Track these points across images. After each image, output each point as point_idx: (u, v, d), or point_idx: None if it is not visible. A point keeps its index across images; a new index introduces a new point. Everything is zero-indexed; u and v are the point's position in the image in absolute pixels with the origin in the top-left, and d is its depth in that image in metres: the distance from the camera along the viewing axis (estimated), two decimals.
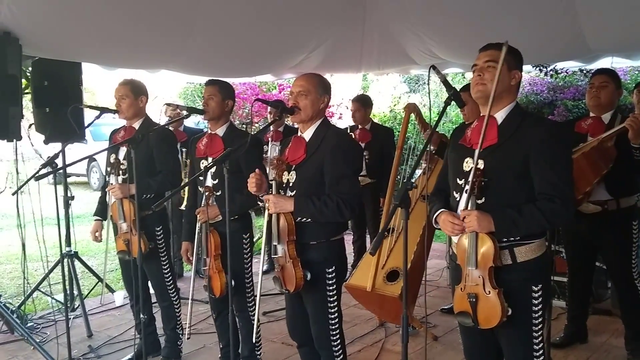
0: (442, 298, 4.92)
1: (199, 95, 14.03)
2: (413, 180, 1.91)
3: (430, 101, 2.28)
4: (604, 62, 5.30)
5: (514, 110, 2.25)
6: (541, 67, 5.89)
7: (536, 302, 2.22)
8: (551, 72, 5.95)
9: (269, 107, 5.64)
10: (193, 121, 8.41)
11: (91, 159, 12.83)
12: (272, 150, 5.24)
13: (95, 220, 3.75)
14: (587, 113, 3.65)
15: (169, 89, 13.17)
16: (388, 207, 3.95)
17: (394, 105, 8.67)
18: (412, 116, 4.17)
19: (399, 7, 5.04)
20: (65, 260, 4.41)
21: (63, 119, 3.83)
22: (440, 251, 6.09)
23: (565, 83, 6.96)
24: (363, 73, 6.89)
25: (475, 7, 4.55)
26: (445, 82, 2.23)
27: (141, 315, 3.10)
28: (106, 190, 3.52)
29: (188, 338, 3.31)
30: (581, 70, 6.13)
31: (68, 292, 4.64)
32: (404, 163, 4.58)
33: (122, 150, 3.44)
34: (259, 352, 3.45)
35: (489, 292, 2.17)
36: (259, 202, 2.77)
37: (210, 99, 3.20)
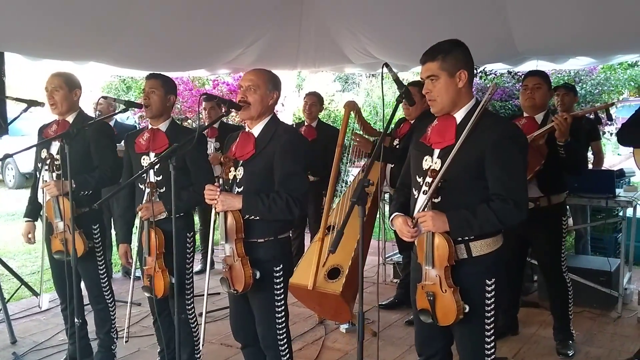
0: (379, 294, 4.98)
1: (123, 89, 13.53)
2: (369, 179, 1.90)
3: (383, 99, 2.28)
4: (530, 65, 5.54)
5: (472, 109, 2.25)
6: None
7: (489, 295, 2.25)
8: (480, 73, 6.15)
9: (203, 103, 5.51)
10: (120, 117, 8.07)
11: (6, 156, 12.02)
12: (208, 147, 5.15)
13: (27, 222, 3.48)
14: (515, 113, 3.79)
15: (93, 83, 12.61)
16: (329, 205, 3.95)
17: (328, 104, 8.68)
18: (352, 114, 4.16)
19: (336, 5, 5.06)
20: None
21: None
22: (376, 248, 6.15)
23: None
24: (299, 70, 6.87)
25: (409, 9, 4.64)
26: (397, 80, 2.24)
27: (76, 320, 2.93)
28: (41, 187, 3.29)
29: (126, 341, 3.17)
30: (509, 72, 6.37)
31: None
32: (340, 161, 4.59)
33: (55, 146, 3.24)
34: (198, 355, 3.35)
35: (445, 290, 2.22)
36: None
37: (152, 92, 3.04)
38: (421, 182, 2.29)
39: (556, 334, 3.81)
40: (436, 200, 2.21)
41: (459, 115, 2.26)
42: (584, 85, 7.23)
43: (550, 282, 3.78)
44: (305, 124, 5.37)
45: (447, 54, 2.21)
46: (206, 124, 5.23)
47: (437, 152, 2.28)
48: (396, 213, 2.35)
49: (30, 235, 3.47)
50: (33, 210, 3.49)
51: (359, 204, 1.88)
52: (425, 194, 2.21)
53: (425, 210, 2.20)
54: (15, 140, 7.48)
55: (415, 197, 2.32)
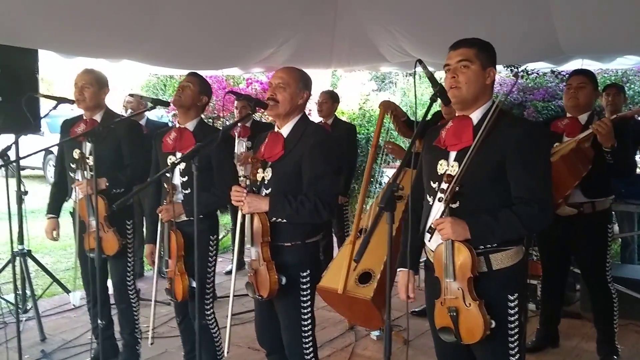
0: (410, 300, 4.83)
1: (162, 88, 13.68)
2: (399, 183, 1.76)
3: (415, 97, 2.16)
4: (575, 64, 5.31)
5: (489, 110, 2.12)
6: (512, 68, 5.86)
7: (512, 311, 2.11)
8: (522, 73, 5.93)
9: (235, 102, 5.48)
10: (156, 115, 8.12)
11: (48, 151, 12.32)
12: (238, 146, 5.09)
13: (50, 218, 3.49)
14: (557, 114, 3.61)
15: (131, 81, 12.80)
16: (361, 207, 3.83)
17: (363, 103, 8.55)
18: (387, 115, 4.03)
19: (372, 2, 4.94)
20: (18, 259, 4.15)
21: (17, 108, 3.64)
22: None
23: (535, 84, 6.96)
24: (333, 69, 6.77)
25: (449, 6, 4.49)
26: (431, 78, 2.11)
27: (99, 321, 2.89)
28: (73, 186, 3.29)
29: (151, 343, 3.12)
30: (553, 72, 6.12)
31: (20, 292, 4.37)
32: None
33: (86, 144, 3.23)
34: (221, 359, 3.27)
35: (470, 304, 2.06)
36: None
37: (187, 87, 3.01)
38: (436, 188, 2.15)
39: (599, 348, 3.60)
40: (454, 206, 2.06)
41: (475, 116, 2.14)
42: (632, 86, 6.92)
43: (594, 293, 3.58)
44: (322, 121, 5.30)
45: (483, 47, 2.14)
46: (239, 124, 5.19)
47: (453, 154, 2.15)
48: (402, 268, 2.31)
49: (55, 233, 3.47)
50: (57, 207, 3.50)
51: (387, 210, 1.74)
52: (442, 200, 2.06)
53: (443, 217, 2.06)
54: (56, 137, 7.60)
55: (430, 203, 2.18)
